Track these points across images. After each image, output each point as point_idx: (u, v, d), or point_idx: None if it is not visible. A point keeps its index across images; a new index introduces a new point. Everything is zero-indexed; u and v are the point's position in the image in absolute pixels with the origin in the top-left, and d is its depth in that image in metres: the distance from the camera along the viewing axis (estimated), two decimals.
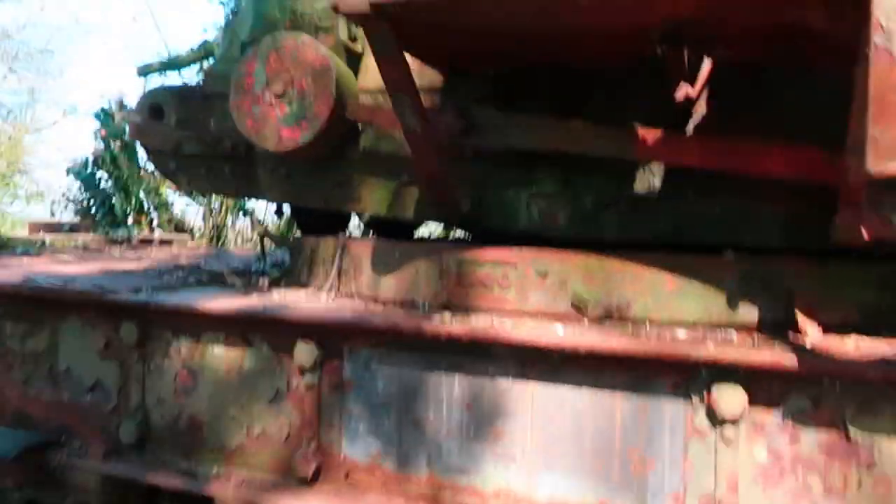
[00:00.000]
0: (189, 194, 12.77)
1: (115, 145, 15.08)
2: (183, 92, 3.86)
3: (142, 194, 14.60)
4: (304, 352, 2.80)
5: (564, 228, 3.15)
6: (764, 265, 2.62)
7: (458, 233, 6.23)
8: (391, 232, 4.12)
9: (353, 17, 2.33)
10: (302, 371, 2.84)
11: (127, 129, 15.75)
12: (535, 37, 2.66)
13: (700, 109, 2.96)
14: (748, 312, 2.58)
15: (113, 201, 15.13)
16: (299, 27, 3.58)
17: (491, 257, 2.81)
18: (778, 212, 2.87)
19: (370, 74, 3.42)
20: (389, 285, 3.03)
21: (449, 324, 2.59)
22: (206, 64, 15.68)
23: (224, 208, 14.09)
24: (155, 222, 14.70)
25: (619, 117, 2.91)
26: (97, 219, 14.93)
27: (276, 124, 3.25)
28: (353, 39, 3.43)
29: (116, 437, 3.15)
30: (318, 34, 3.55)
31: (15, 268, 3.96)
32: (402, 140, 3.29)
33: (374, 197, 3.47)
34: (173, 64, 15.20)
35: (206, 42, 13.87)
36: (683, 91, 2.77)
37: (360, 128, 3.43)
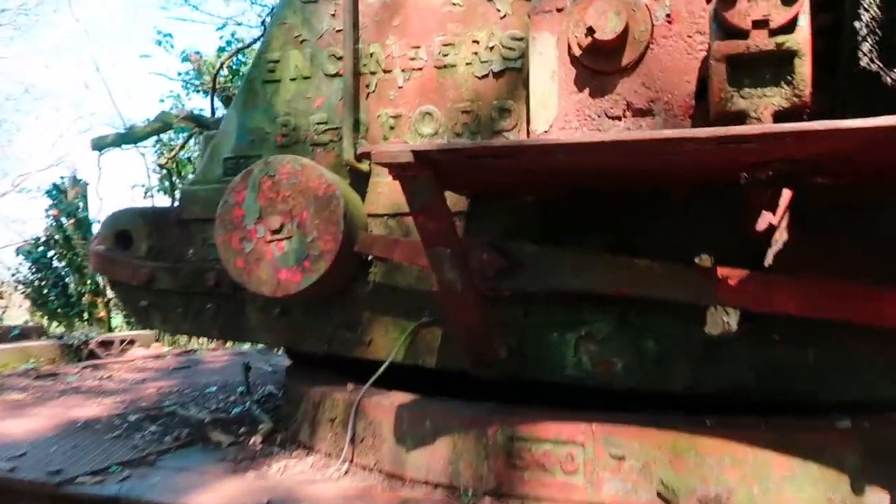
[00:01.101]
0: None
1: (68, 224, 14.35)
2: (155, 215, 3.31)
3: (97, 275, 13.80)
4: None
5: (622, 378, 2.65)
6: (889, 432, 2.15)
7: None
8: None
9: (394, 168, 1.82)
10: None
11: (80, 209, 15.08)
12: (602, 171, 2.20)
13: (780, 238, 2.51)
14: (877, 499, 2.09)
15: (66, 282, 14.32)
16: (293, 142, 3.08)
17: (551, 432, 2.29)
18: (884, 360, 2.41)
19: (381, 197, 2.92)
20: (420, 463, 2.48)
21: None
22: (164, 136, 15.04)
23: None
24: (111, 303, 13.90)
25: (686, 247, 2.46)
26: (49, 300, 14.09)
27: (273, 265, 2.72)
28: (359, 158, 2.93)
29: None
30: (316, 151, 3.05)
31: None
32: (420, 272, 2.80)
33: (387, 339, 2.94)
34: (129, 137, 14.62)
35: (163, 113, 13.36)
36: (766, 221, 2.33)
37: (370, 258, 2.91)
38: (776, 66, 2.09)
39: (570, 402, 2.52)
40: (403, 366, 2.90)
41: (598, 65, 2.50)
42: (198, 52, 13.84)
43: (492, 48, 2.84)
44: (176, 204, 3.27)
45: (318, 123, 3.05)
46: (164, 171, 14.38)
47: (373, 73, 2.99)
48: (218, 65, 11.85)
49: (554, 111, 2.56)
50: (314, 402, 2.94)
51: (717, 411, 2.36)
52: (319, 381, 3.08)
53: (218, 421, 3.31)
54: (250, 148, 3.14)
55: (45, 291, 14.24)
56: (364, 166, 2.94)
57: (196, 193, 3.21)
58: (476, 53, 2.85)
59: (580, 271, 2.52)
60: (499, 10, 2.84)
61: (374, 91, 2.99)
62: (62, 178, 15.13)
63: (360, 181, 2.97)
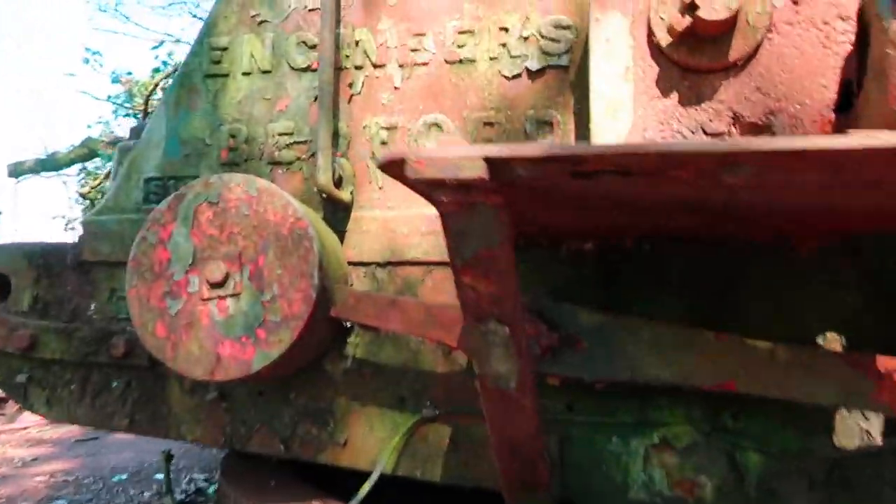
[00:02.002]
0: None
1: None
2: (45, 255, 2.39)
3: None
4: None
5: None
6: None
7: None
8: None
9: (445, 190, 0.99)
10: None
11: None
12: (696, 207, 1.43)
13: None
14: None
15: None
16: (245, 159, 2.23)
17: None
18: None
19: (367, 238, 2.10)
20: None
21: None
22: (89, 164, 13.84)
23: None
24: None
25: (812, 322, 1.73)
26: None
27: (211, 334, 1.85)
28: (338, 182, 2.10)
29: None
30: (275, 171, 2.21)
31: None
32: (416, 346, 1.99)
33: (371, 440, 2.08)
34: (50, 163, 13.39)
35: (88, 139, 12.23)
36: None
37: (348, 325, 2.07)
38: None
39: None
40: (395, 477, 2.05)
41: (695, 59, 1.75)
42: (129, 73, 12.78)
43: (526, 38, 2.06)
44: (75, 240, 2.37)
45: (279, 134, 2.21)
46: (87, 202, 13.18)
47: (358, 68, 2.18)
48: (152, 86, 10.85)
49: (628, 122, 1.79)
50: None
51: None
52: (270, 494, 2.19)
53: None
54: (183, 165, 2.28)
55: None
56: (345, 194, 2.10)
57: (104, 226, 2.31)
58: (504, 45, 2.08)
59: (666, 355, 1.73)
60: None
61: (359, 92, 2.18)
62: None
63: (337, 215, 2.14)
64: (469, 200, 1.02)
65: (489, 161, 0.96)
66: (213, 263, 1.86)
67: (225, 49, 2.29)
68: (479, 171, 0.96)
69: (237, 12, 2.30)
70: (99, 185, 13.07)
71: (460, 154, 0.95)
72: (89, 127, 14.33)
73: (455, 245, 1.18)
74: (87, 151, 12.04)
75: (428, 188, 0.99)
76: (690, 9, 1.67)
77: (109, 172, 12.75)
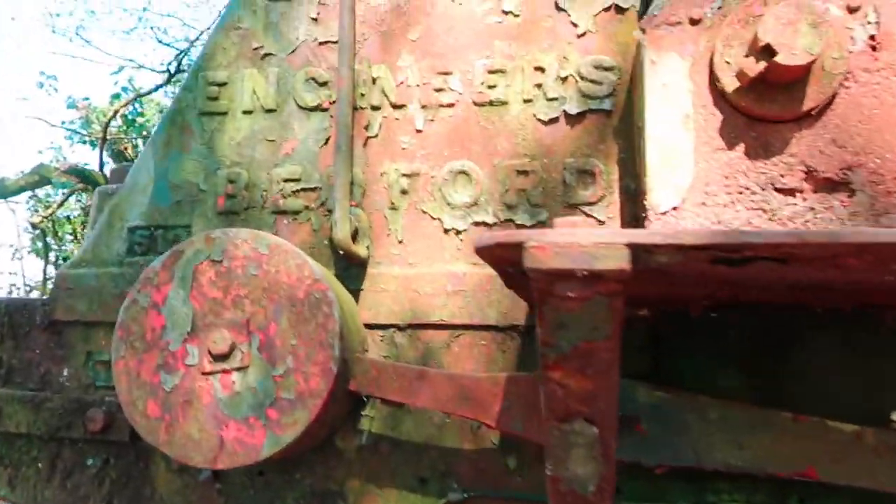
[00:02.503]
0: None
1: None
2: (10, 311, 2.10)
3: None
4: None
5: None
6: None
7: None
8: None
9: (567, 283, 0.78)
10: None
11: None
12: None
13: None
14: None
15: None
16: (244, 207, 2.00)
17: None
18: None
19: (386, 299, 1.87)
20: None
21: None
22: (39, 191, 13.32)
23: None
24: None
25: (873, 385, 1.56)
26: None
27: (214, 414, 1.59)
28: (353, 235, 1.87)
29: None
30: (280, 221, 1.97)
31: None
32: (440, 420, 1.77)
33: None
34: None
35: (40, 165, 11.73)
36: None
37: (365, 399, 1.84)
38: None
39: None
40: None
41: (764, 108, 1.58)
42: (86, 99, 12.33)
43: (564, 80, 1.88)
44: (45, 296, 2.09)
45: (285, 180, 1.98)
46: (38, 232, 12.64)
47: (375, 109, 1.97)
48: (111, 112, 10.46)
49: (689, 176, 1.61)
50: None
51: None
52: None
53: None
54: (173, 212, 2.03)
55: None
56: (361, 249, 1.88)
57: (80, 280, 2.04)
58: (540, 86, 1.89)
59: (737, 438, 1.53)
60: (575, 25, 1.90)
61: (376, 135, 1.96)
62: None
63: (351, 272, 1.91)
64: (595, 292, 0.81)
65: (635, 248, 0.75)
66: (215, 331, 1.61)
67: (223, 84, 2.06)
68: (620, 262, 0.75)
69: (238, 44, 2.07)
70: (51, 214, 12.57)
71: (597, 239, 0.75)
72: (40, 153, 13.77)
73: (551, 338, 0.96)
74: (39, 178, 11.54)
75: (548, 280, 0.78)
76: (766, 53, 1.50)
77: (62, 201, 12.28)
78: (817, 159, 1.57)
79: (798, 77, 1.55)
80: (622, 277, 0.77)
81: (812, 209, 1.56)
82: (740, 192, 1.60)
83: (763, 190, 1.59)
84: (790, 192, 1.58)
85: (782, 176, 1.59)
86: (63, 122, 13.10)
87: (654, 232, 0.76)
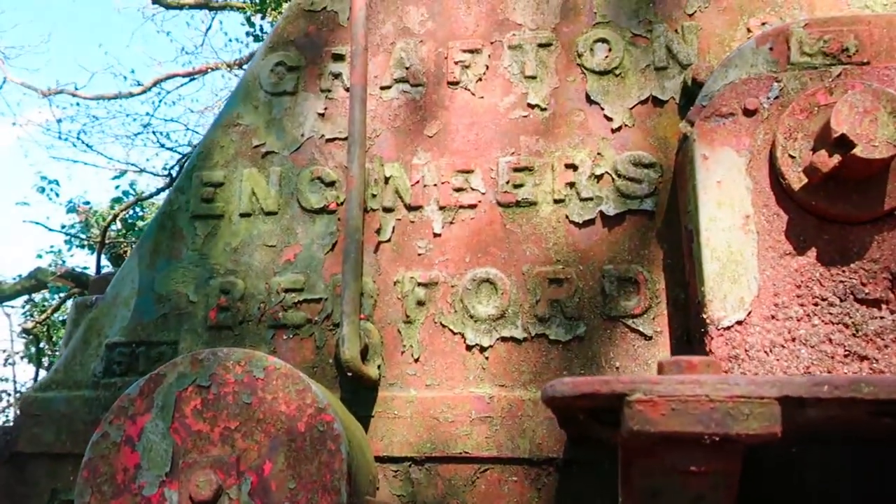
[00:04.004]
0: None
1: None
2: None
3: None
4: None
5: None
6: None
7: None
8: None
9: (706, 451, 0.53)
10: None
11: None
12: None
13: None
14: None
15: None
16: (240, 321, 1.76)
17: None
18: None
19: (401, 426, 1.62)
20: None
21: None
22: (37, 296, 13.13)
23: None
24: None
25: None
26: None
27: None
28: (363, 353, 1.63)
29: None
30: (279, 337, 1.74)
31: None
32: None
33: None
34: None
35: (38, 269, 11.57)
36: None
37: None
38: None
39: None
40: None
41: (838, 207, 1.38)
42: (87, 203, 12.28)
43: (599, 178, 1.69)
44: (9, 423, 1.83)
45: (286, 290, 1.76)
46: (31, 337, 12.34)
47: (388, 211, 1.77)
48: (110, 216, 10.38)
49: (754, 286, 1.39)
50: None
51: None
52: None
53: None
54: (159, 327, 1.79)
55: None
56: (371, 370, 1.63)
57: (48, 406, 1.78)
58: (572, 185, 1.69)
59: None
60: (610, 119, 1.72)
61: (388, 240, 1.75)
62: None
63: (360, 395, 1.66)
64: (724, 465, 0.57)
65: (787, 401, 0.52)
66: (199, 472, 1.35)
67: (219, 185, 1.86)
68: (769, 422, 0.52)
69: (237, 141, 1.89)
70: (45, 319, 12.31)
71: (736, 391, 0.51)
72: (39, 257, 13.58)
73: None
74: (35, 283, 11.36)
75: (664, 447, 0.54)
76: (841, 146, 1.31)
77: (57, 306, 12.05)
78: None
79: (877, 171, 1.35)
80: (770, 441, 0.53)
81: None
82: (815, 304, 1.37)
83: (842, 301, 1.37)
84: (875, 303, 1.36)
85: (864, 284, 1.37)
86: (63, 227, 13.02)
87: (815, 380, 0.53)
